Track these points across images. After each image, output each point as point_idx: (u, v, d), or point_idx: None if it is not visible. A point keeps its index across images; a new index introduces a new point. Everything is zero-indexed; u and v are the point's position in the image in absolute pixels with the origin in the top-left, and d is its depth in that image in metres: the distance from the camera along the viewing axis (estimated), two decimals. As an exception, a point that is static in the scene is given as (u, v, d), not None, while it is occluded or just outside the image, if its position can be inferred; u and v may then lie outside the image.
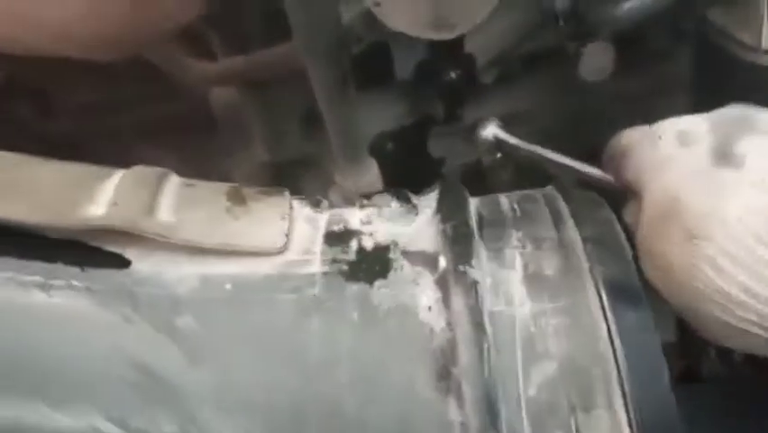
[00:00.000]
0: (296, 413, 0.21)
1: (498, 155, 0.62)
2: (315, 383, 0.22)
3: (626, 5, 0.41)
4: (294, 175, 0.75)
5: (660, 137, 0.30)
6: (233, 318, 0.24)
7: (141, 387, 0.22)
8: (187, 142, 0.74)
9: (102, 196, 0.26)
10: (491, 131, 0.58)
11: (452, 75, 0.70)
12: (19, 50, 0.40)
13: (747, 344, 0.26)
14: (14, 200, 0.25)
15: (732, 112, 0.29)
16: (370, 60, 0.61)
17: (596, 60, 0.58)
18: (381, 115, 0.69)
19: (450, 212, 0.25)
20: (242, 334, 0.23)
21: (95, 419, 0.21)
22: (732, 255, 0.24)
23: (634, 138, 0.33)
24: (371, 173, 0.62)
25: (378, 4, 0.36)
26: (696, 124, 0.29)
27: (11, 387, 0.22)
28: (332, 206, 0.33)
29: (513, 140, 0.60)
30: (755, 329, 0.25)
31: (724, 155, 0.26)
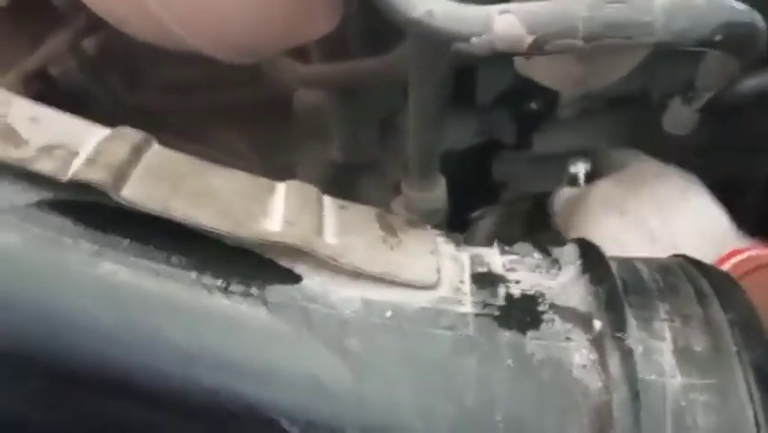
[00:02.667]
0: (455, 445, 0.23)
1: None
2: (473, 420, 0.24)
3: (749, 83, 0.43)
4: (355, 177, 0.76)
5: None
6: (395, 345, 0.25)
7: (310, 396, 0.24)
8: (260, 129, 0.76)
9: (275, 211, 0.28)
10: (582, 168, 0.60)
11: (533, 105, 0.72)
12: (166, 44, 0.42)
13: None
14: (199, 205, 0.27)
15: None
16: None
17: (681, 115, 0.59)
18: (452, 134, 0.70)
19: (599, 275, 0.27)
20: (403, 361, 0.25)
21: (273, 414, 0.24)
22: None
23: None
24: (439, 189, 0.64)
25: (529, 58, 0.38)
26: None
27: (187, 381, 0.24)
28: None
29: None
30: None
31: None
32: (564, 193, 0.60)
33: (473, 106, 0.71)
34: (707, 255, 0.40)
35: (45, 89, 0.57)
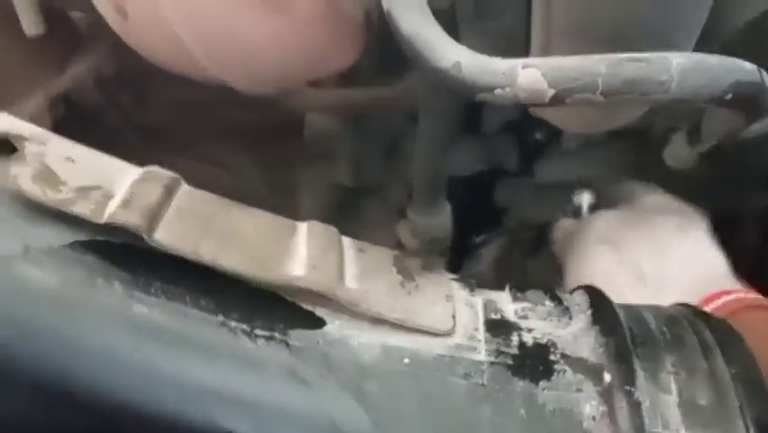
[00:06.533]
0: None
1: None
2: (487, 469, 0.25)
3: (752, 128, 0.44)
4: (359, 200, 0.77)
5: None
6: (412, 392, 0.26)
7: (330, 442, 0.25)
8: (268, 149, 0.77)
9: (298, 253, 0.29)
10: (586, 199, 0.61)
11: (537, 136, 0.73)
12: (193, 75, 0.43)
13: None
14: (227, 248, 0.28)
15: None
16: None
17: (683, 150, 0.60)
18: (457, 160, 0.72)
19: (609, 326, 0.28)
20: (419, 408, 0.26)
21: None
22: None
23: None
24: (445, 215, 0.65)
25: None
26: None
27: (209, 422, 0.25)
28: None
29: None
30: None
31: None
32: (564, 223, 0.60)
33: (479, 134, 0.72)
34: (693, 298, 0.40)
35: (68, 112, 0.58)
